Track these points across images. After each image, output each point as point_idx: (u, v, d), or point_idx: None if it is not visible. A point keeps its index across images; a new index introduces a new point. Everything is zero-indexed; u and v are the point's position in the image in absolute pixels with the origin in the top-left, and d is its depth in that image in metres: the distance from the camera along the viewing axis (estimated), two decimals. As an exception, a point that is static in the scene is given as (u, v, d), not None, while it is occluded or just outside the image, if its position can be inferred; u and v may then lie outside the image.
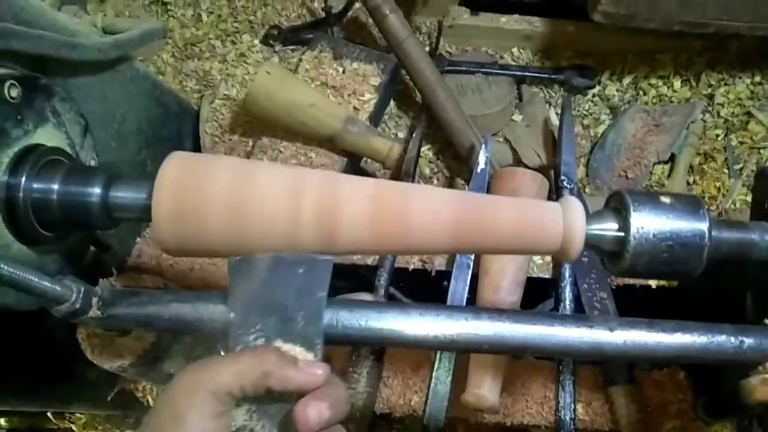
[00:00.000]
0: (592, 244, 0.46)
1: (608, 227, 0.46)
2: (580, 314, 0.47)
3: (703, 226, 0.44)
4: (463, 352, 0.68)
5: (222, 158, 0.49)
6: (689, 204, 0.45)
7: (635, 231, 0.44)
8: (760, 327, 0.46)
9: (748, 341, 0.43)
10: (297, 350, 0.43)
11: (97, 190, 0.49)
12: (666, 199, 0.45)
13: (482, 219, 0.45)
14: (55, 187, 0.49)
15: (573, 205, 0.45)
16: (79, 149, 0.57)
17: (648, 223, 0.44)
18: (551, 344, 0.44)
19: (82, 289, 0.46)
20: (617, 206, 0.47)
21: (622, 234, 0.45)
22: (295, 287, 0.44)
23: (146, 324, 0.48)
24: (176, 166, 0.47)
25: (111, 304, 0.48)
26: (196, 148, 0.94)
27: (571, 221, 0.45)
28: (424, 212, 0.44)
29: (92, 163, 0.59)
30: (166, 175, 0.46)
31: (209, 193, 0.46)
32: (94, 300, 0.48)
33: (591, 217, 0.46)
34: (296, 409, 0.39)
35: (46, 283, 0.43)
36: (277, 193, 0.46)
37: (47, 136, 0.52)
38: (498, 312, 0.46)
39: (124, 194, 0.49)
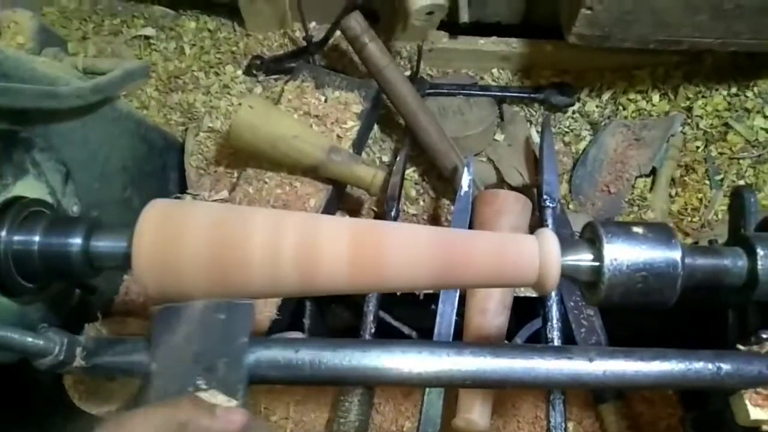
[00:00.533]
0: (567, 275, 0.47)
1: (583, 258, 0.47)
2: (560, 346, 0.48)
3: (676, 255, 0.44)
4: (446, 387, 0.68)
5: (202, 205, 0.50)
6: (661, 233, 0.46)
7: (609, 262, 0.45)
8: (737, 352, 0.46)
9: (726, 367, 0.44)
10: (219, 398, 0.43)
11: (77, 241, 0.49)
12: (638, 230, 0.46)
13: (459, 257, 0.46)
14: (36, 239, 0.49)
15: (548, 239, 0.46)
16: (60, 197, 0.57)
17: (621, 254, 0.45)
18: (531, 377, 0.45)
19: (65, 341, 0.47)
20: (591, 237, 0.48)
21: (597, 264, 0.46)
22: (216, 334, 0.45)
23: (130, 372, 0.48)
24: (156, 215, 0.48)
25: (95, 353, 0.48)
26: (182, 180, 0.95)
27: (546, 255, 0.45)
28: (401, 254, 0.45)
29: (74, 209, 0.59)
30: (145, 224, 0.47)
31: (189, 242, 0.47)
32: (78, 350, 0.48)
33: (566, 248, 0.47)
34: None
35: (28, 339, 0.43)
36: (256, 239, 0.47)
37: (27, 187, 0.52)
38: (480, 347, 0.46)
39: (105, 243, 0.49)
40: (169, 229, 0.47)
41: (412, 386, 0.68)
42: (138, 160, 0.81)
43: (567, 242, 0.47)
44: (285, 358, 0.45)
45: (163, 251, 0.46)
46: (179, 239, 0.46)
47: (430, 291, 0.83)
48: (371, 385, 0.72)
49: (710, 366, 0.44)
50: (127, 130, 0.78)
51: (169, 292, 0.47)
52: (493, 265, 0.46)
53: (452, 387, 0.67)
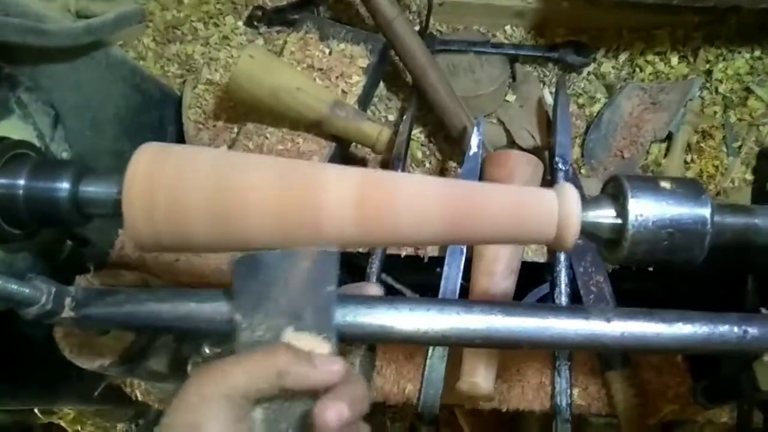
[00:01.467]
0: (588, 232, 0.44)
1: (605, 214, 0.44)
2: (576, 305, 0.45)
3: (705, 211, 0.41)
4: (455, 346, 0.66)
5: (199, 149, 0.46)
6: (690, 189, 0.43)
7: (633, 218, 0.42)
8: (764, 316, 0.44)
9: (752, 331, 0.42)
10: (312, 342, 0.41)
11: (65, 185, 0.46)
12: (666, 184, 0.43)
13: (474, 209, 0.43)
14: (21, 182, 0.46)
15: (568, 192, 0.43)
16: (49, 141, 0.54)
17: (647, 210, 0.42)
18: (546, 337, 0.43)
19: (53, 290, 0.44)
20: (614, 192, 0.45)
21: (619, 221, 0.43)
22: (301, 283, 0.42)
23: (123, 324, 0.46)
24: (148, 158, 0.45)
25: (85, 304, 0.45)
26: (180, 135, 0.91)
27: (566, 209, 0.42)
28: (413, 204, 0.42)
29: (64, 155, 0.56)
30: (136, 168, 0.44)
31: (188, 186, 0.44)
32: (67, 300, 0.45)
33: (587, 203, 0.44)
34: (315, 411, 0.37)
35: (13, 286, 0.41)
36: (259, 183, 0.44)
37: (12, 128, 0.49)
38: (490, 305, 0.44)
39: (95, 189, 0.46)
40: (163, 173, 0.44)
41: (419, 344, 0.66)
42: (132, 110, 0.78)
43: (587, 198, 0.44)
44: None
45: (157, 196, 0.43)
46: (174, 184, 0.43)
47: (439, 247, 0.80)
48: (376, 342, 0.70)
49: (736, 329, 0.42)
50: (121, 77, 0.75)
51: (164, 241, 0.45)
52: (509, 218, 0.43)
53: (461, 346, 0.65)
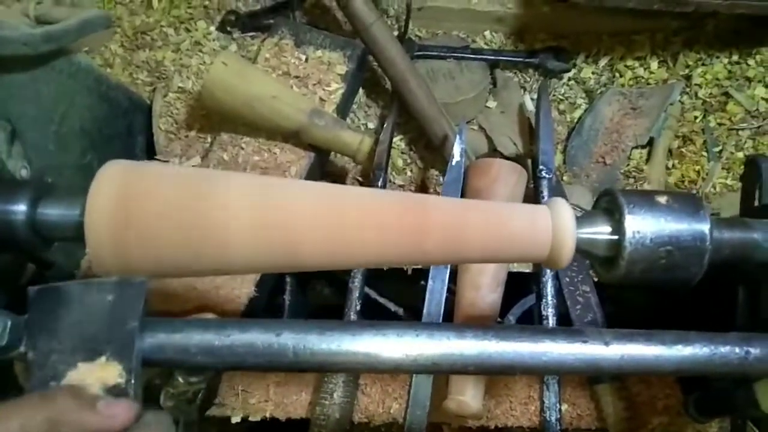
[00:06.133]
0: (582, 249, 0.42)
1: (600, 231, 0.42)
2: (572, 329, 0.43)
3: (705, 227, 0.40)
4: (447, 374, 0.64)
5: (165, 167, 0.43)
6: (688, 203, 0.41)
7: (631, 235, 0.40)
8: (766, 336, 0.42)
9: (754, 352, 0.40)
10: (110, 370, 0.38)
11: (22, 207, 0.42)
12: (662, 199, 0.41)
13: (463, 227, 0.40)
14: (-27, 205, 0.42)
15: (562, 209, 0.41)
16: (5, 158, 0.50)
17: (644, 227, 0.40)
18: (542, 362, 0.40)
19: (9, 323, 0.40)
20: (609, 207, 0.43)
21: (615, 238, 0.41)
22: (103, 317, 0.39)
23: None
24: (112, 177, 0.41)
25: (45, 337, 0.42)
26: (150, 145, 0.87)
27: (560, 226, 0.40)
28: (392, 223, 0.39)
29: (23, 172, 0.52)
30: (100, 189, 0.40)
31: (156, 207, 0.41)
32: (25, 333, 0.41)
33: (581, 220, 0.42)
34: None
35: (-38, 322, 0.37)
36: (228, 203, 0.41)
37: (-38, 145, 0.45)
38: (483, 330, 0.41)
39: (55, 211, 0.43)
40: (128, 194, 0.40)
41: (408, 373, 0.63)
42: (99, 121, 0.74)
43: (581, 213, 0.42)
44: (254, 342, 0.40)
45: (122, 219, 0.40)
46: (140, 206, 0.40)
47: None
48: (363, 372, 0.67)
49: (737, 350, 0.40)
50: (86, 87, 0.71)
51: (129, 266, 0.41)
52: (502, 239, 0.40)
53: (453, 373, 0.63)
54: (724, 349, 0.40)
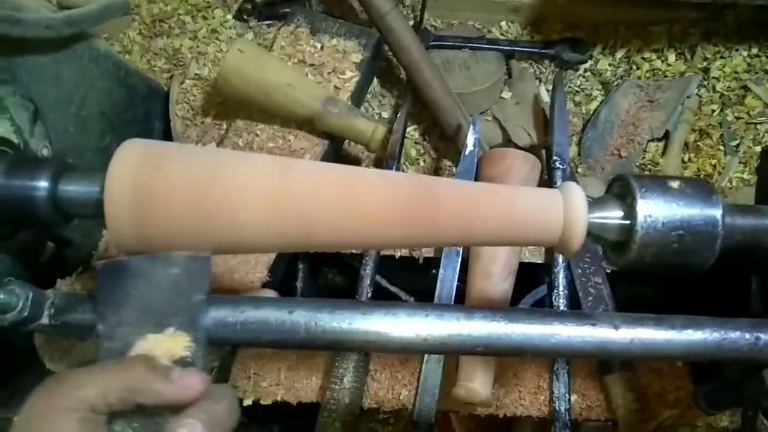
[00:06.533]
0: (594, 234, 0.42)
1: (612, 215, 0.42)
2: (582, 312, 0.43)
3: (716, 212, 0.40)
4: (455, 354, 0.64)
5: (184, 146, 0.44)
6: (700, 189, 0.41)
7: (642, 219, 0.40)
8: (777, 322, 0.42)
9: (765, 338, 0.40)
10: (179, 340, 0.39)
11: (43, 184, 0.43)
12: (674, 184, 0.41)
13: (473, 208, 0.41)
14: (-4, 180, 0.43)
15: (574, 192, 0.41)
16: (28, 137, 0.51)
17: (656, 211, 0.40)
18: (551, 345, 0.41)
19: (30, 295, 0.42)
20: (621, 192, 0.43)
21: (627, 222, 0.41)
22: (169, 289, 0.40)
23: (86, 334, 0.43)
24: (131, 156, 0.42)
25: (64, 310, 0.43)
26: (167, 131, 0.88)
27: (572, 209, 0.41)
28: (404, 203, 0.40)
29: (44, 151, 0.54)
30: (119, 166, 0.41)
31: (174, 184, 0.41)
32: (46, 306, 0.43)
33: (592, 204, 0.42)
34: (167, 429, 0.36)
35: (-14, 292, 0.38)
36: (248, 182, 0.41)
37: (-13, 123, 0.46)
38: (492, 311, 0.42)
39: (75, 188, 0.44)
40: (147, 172, 0.41)
41: (417, 353, 0.63)
42: (117, 106, 0.75)
43: (593, 198, 0.42)
44: (263, 319, 0.40)
45: (141, 196, 0.41)
46: (159, 182, 0.41)
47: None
48: (372, 351, 0.68)
49: (747, 336, 0.40)
50: (106, 71, 0.72)
51: (148, 242, 0.42)
52: (512, 219, 0.41)
53: (462, 353, 0.63)
54: (734, 335, 0.40)
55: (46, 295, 0.44)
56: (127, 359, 0.38)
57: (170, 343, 0.39)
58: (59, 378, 0.36)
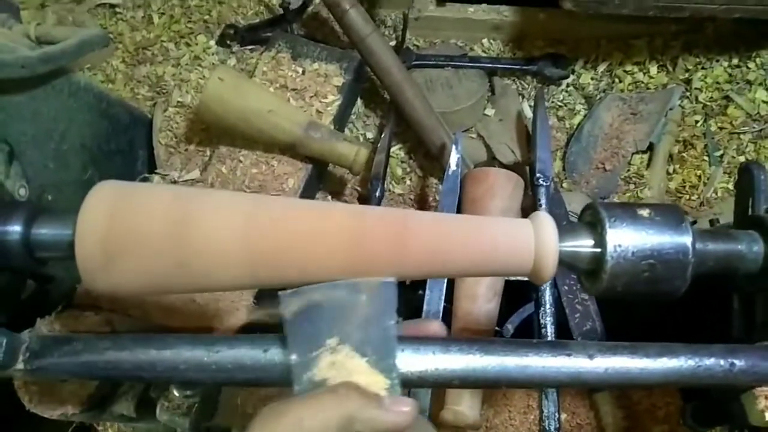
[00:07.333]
0: (567, 262, 0.42)
1: (583, 244, 0.42)
2: (557, 341, 0.43)
3: (687, 240, 0.40)
4: (432, 387, 0.64)
5: (158, 186, 0.44)
6: (670, 216, 0.41)
7: (612, 249, 0.40)
8: (752, 347, 0.42)
9: (739, 364, 0.40)
10: (373, 376, 0.38)
11: (16, 228, 0.43)
12: (644, 212, 0.41)
13: (444, 241, 0.41)
14: (-32, 227, 0.43)
15: (544, 222, 0.41)
16: (3, 178, 0.51)
17: (626, 240, 0.40)
18: (527, 376, 0.41)
19: (5, 341, 0.41)
20: (592, 220, 0.43)
21: (598, 250, 0.41)
22: (360, 317, 0.39)
23: (81, 375, 0.43)
24: (103, 198, 0.42)
25: (40, 354, 0.43)
26: (151, 159, 0.89)
27: (542, 240, 0.40)
28: (370, 237, 0.40)
29: (21, 191, 0.54)
30: (89, 208, 0.41)
31: (145, 226, 0.41)
32: (21, 350, 0.42)
33: (564, 233, 0.42)
34: None
35: (-44, 341, 0.38)
36: (220, 223, 0.41)
37: (-40, 168, 0.46)
38: (468, 343, 0.42)
39: (47, 231, 0.44)
40: (118, 213, 0.41)
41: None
42: (99, 137, 0.75)
43: (564, 226, 0.43)
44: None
45: (112, 238, 0.41)
46: (130, 224, 0.41)
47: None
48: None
49: (722, 362, 0.40)
50: (86, 104, 0.72)
51: (119, 285, 0.42)
52: (484, 251, 0.41)
53: (438, 387, 0.63)
54: (709, 362, 0.40)
55: (21, 339, 0.43)
56: (340, 388, 0.37)
57: (367, 371, 0.38)
58: (276, 412, 0.36)
